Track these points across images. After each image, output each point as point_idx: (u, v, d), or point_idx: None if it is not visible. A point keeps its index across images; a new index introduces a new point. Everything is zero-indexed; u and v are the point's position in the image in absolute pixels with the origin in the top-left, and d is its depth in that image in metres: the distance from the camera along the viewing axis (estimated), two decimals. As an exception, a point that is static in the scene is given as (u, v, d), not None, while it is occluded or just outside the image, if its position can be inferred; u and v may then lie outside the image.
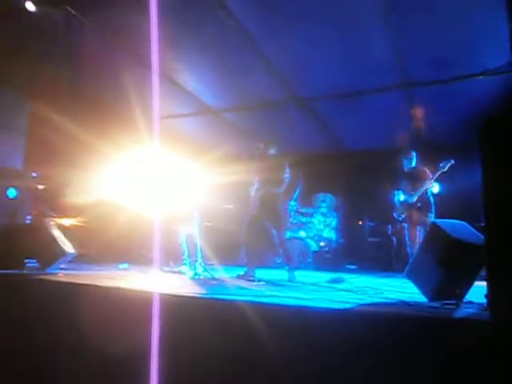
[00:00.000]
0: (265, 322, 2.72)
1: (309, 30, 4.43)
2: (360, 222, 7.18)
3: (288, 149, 5.44)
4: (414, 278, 3.16)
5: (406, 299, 3.16)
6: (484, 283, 2.66)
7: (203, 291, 3.50)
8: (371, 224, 6.89)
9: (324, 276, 4.84)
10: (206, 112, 6.37)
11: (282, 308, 2.84)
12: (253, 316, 2.78)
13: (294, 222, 6.70)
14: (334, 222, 7.03)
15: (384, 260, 6.14)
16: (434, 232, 3.05)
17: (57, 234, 4.74)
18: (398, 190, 5.11)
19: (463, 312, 2.67)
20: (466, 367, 2.21)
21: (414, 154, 5.07)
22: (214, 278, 4.51)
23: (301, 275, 4.70)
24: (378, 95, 5.60)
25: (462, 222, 3.20)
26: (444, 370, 2.24)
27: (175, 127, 6.76)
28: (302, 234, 6.83)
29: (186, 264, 5.25)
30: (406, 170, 5.08)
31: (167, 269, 5.23)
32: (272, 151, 4.72)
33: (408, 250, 5.08)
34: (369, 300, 3.16)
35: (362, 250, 6.69)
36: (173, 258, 5.40)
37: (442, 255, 2.93)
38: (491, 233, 2.43)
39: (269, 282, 4.27)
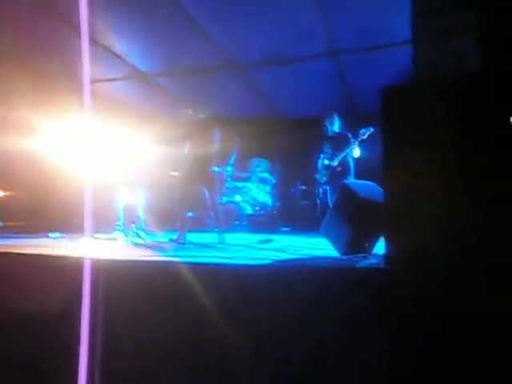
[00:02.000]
0: (185, 281, 2.87)
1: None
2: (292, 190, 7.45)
3: (223, 115, 5.51)
4: (328, 234, 3.42)
5: (322, 255, 3.44)
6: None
7: (126, 255, 3.57)
8: (303, 188, 7.18)
9: (255, 238, 5.07)
10: (137, 76, 6.23)
11: (201, 267, 2.99)
12: (172, 275, 2.91)
13: (230, 186, 6.83)
14: (268, 187, 7.25)
15: (311, 221, 6.46)
16: (344, 192, 3.29)
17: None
18: (322, 153, 5.32)
19: (367, 263, 2.97)
20: (367, 310, 2.48)
21: (337, 118, 5.27)
22: (145, 243, 4.59)
23: (233, 238, 4.88)
24: (306, 62, 5.75)
25: (371, 183, 3.47)
26: (349, 314, 2.50)
27: (107, 92, 6.58)
28: (238, 198, 7.01)
29: (118, 230, 5.26)
30: (329, 134, 5.29)
31: (100, 236, 5.22)
32: (201, 115, 4.78)
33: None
34: (287, 257, 3.40)
35: (295, 212, 7.00)
36: (108, 225, 5.38)
37: (351, 213, 3.19)
38: (390, 192, 2.68)
39: (198, 245, 4.41)
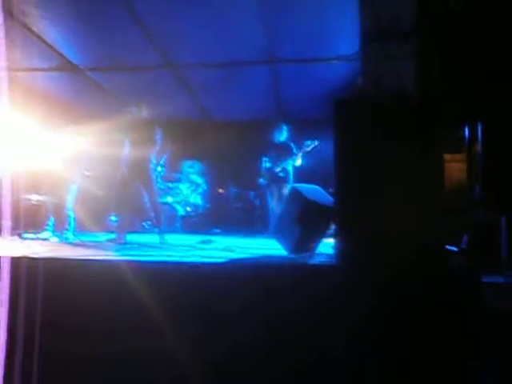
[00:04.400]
0: (144, 279, 2.87)
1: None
2: (220, 190, 7.58)
3: (157, 114, 5.44)
4: (277, 235, 3.61)
5: (271, 253, 3.62)
6: (330, 240, 3.24)
7: (74, 254, 3.45)
8: (235, 190, 7.35)
9: (193, 238, 5.11)
10: (68, 69, 5.92)
11: (160, 265, 3.01)
12: (133, 275, 2.90)
13: (162, 187, 6.77)
14: (200, 188, 7.30)
15: (247, 223, 6.66)
16: (294, 195, 3.52)
17: None
18: (265, 157, 5.61)
19: (317, 260, 3.22)
20: (322, 301, 2.69)
21: (285, 127, 5.61)
22: (82, 243, 4.42)
23: (170, 238, 4.87)
24: (244, 68, 5.93)
25: (316, 187, 3.73)
26: (307, 306, 2.69)
27: (32, 83, 6.16)
28: (169, 199, 6.97)
29: (48, 230, 4.98)
30: (275, 141, 5.59)
31: (29, 236, 4.89)
32: (144, 114, 4.73)
33: (270, 213, 5.65)
34: (238, 256, 3.53)
35: (227, 214, 7.14)
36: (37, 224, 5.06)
37: (300, 214, 3.42)
38: (340, 195, 2.95)
39: (141, 245, 4.36)
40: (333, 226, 3.67)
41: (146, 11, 4.76)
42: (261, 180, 5.62)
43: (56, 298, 2.89)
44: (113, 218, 6.62)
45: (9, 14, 4.86)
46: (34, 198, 5.16)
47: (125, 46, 5.52)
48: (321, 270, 2.93)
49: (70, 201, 5.11)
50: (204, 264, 2.97)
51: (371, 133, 2.83)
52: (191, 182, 7.14)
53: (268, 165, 5.58)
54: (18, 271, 2.96)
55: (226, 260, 3.11)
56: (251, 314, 2.72)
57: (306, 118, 6.68)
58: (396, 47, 3.16)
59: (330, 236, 3.82)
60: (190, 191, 7.09)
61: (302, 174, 5.49)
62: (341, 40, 5.38)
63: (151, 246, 4.22)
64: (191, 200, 7.10)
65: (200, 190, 7.26)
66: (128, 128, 4.64)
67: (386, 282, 2.66)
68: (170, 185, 7.01)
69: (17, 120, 5.61)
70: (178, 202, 6.95)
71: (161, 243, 4.51)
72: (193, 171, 7.22)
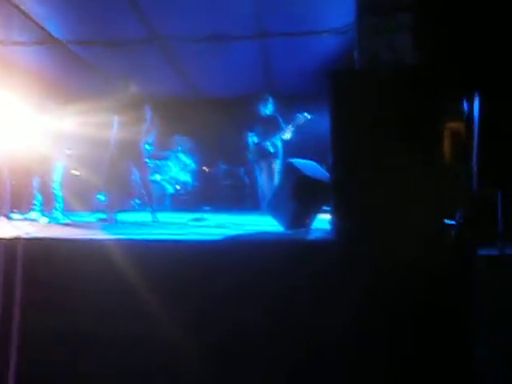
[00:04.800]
0: (138, 258, 2.82)
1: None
2: (206, 169, 7.49)
3: (144, 91, 5.30)
4: (273, 211, 3.59)
5: (267, 230, 3.60)
6: (326, 215, 3.23)
7: (67, 234, 3.38)
8: (224, 167, 7.28)
9: (184, 216, 5.06)
10: (50, 42, 5.69)
11: (154, 243, 2.97)
12: (127, 254, 2.85)
13: (151, 165, 6.66)
14: (189, 166, 7.21)
15: (237, 200, 6.63)
16: (289, 170, 3.48)
17: None
18: (252, 132, 5.48)
19: (315, 235, 3.21)
20: (324, 276, 2.69)
21: (271, 100, 5.46)
22: (74, 223, 4.33)
23: (162, 216, 4.82)
24: (233, 43, 5.78)
25: (312, 162, 3.70)
26: (306, 282, 2.68)
27: (13, 57, 5.92)
28: (158, 177, 6.87)
29: (35, 210, 4.86)
30: (262, 115, 5.46)
31: (16, 216, 4.77)
32: (132, 90, 4.59)
33: (259, 189, 5.60)
34: (234, 232, 3.50)
35: (217, 192, 7.08)
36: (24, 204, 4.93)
37: (296, 190, 3.39)
38: (337, 170, 2.92)
39: (133, 224, 4.30)
40: (329, 202, 3.66)
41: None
42: (249, 156, 5.51)
43: (55, 278, 2.84)
44: (100, 197, 6.51)
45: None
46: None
47: (110, 19, 5.32)
48: (318, 246, 2.92)
49: (56, 180, 4.98)
50: (200, 241, 2.93)
51: (369, 105, 2.79)
52: (180, 160, 7.04)
53: (255, 140, 5.47)
54: (14, 253, 2.89)
55: (221, 237, 3.08)
56: (248, 291, 2.70)
57: (296, 93, 6.61)
58: (392, 19, 3.10)
59: (326, 211, 3.82)
60: (178, 169, 6.99)
61: (292, 149, 5.42)
62: (332, 12, 5.27)
63: (143, 225, 4.16)
64: (180, 178, 7.01)
65: (189, 168, 7.17)
66: (116, 105, 4.50)
67: (383, 258, 2.67)
68: (159, 163, 6.90)
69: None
70: (167, 180, 6.86)
71: (153, 221, 4.45)
72: (181, 149, 7.11)
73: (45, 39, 5.58)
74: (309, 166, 3.56)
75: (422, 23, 2.99)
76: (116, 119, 4.55)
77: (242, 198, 6.72)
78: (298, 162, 3.52)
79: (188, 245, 2.86)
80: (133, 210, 6.06)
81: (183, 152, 7.13)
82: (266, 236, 3.25)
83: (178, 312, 2.73)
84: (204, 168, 7.33)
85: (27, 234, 3.27)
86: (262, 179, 5.47)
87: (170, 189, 6.80)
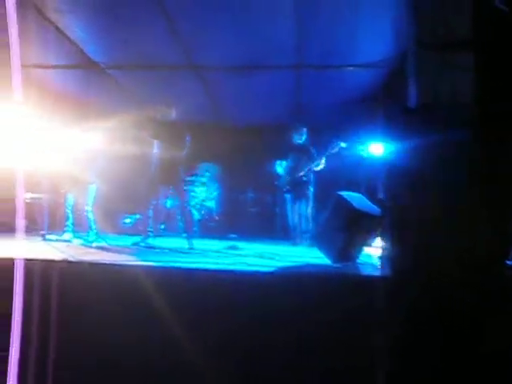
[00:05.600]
0: (189, 289, 2.77)
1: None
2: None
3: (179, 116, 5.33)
4: (320, 243, 3.54)
5: (314, 262, 3.54)
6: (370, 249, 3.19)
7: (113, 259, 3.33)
8: (252, 195, 7.27)
9: (216, 244, 5.00)
10: (88, 65, 5.78)
11: (208, 273, 2.90)
12: (178, 282, 2.80)
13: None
14: (215, 193, 7.21)
15: (263, 228, 6.57)
16: (338, 202, 3.44)
17: None
18: (281, 160, 5.49)
19: (364, 270, 3.15)
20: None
21: (305, 130, 5.50)
22: (111, 247, 4.28)
23: (195, 243, 4.74)
24: (269, 73, 5.85)
25: (359, 195, 3.67)
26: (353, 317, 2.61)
27: (50, 80, 6.02)
28: (184, 202, 6.84)
29: (68, 231, 4.83)
30: (295, 144, 5.47)
31: (53, 237, 4.72)
32: (173, 116, 4.64)
33: (289, 219, 5.54)
34: (283, 264, 3.41)
35: (243, 219, 7.04)
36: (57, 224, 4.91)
37: (345, 222, 3.34)
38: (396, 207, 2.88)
39: (169, 250, 4.23)
40: (376, 236, 3.61)
41: (176, 9, 4.65)
42: (278, 184, 5.52)
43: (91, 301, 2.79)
44: (127, 221, 6.48)
45: (35, 9, 4.75)
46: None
47: (150, 44, 5.40)
48: (372, 280, 2.86)
49: (89, 201, 4.96)
50: (254, 273, 2.87)
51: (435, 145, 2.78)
52: (206, 186, 7.03)
53: (287, 169, 5.48)
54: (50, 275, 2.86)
55: (274, 269, 3.02)
56: (309, 322, 2.64)
57: (325, 124, 6.63)
58: (452, 56, 3.11)
59: (372, 245, 3.77)
60: (205, 195, 6.97)
61: (324, 180, 5.43)
62: (368, 47, 5.34)
63: (181, 252, 4.10)
64: (206, 204, 6.99)
65: (215, 194, 7.15)
66: (157, 128, 4.54)
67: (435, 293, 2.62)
68: (185, 188, 6.89)
69: (33, 118, 5.48)
70: (193, 206, 6.83)
71: (190, 248, 4.39)
72: (208, 174, 7.11)
73: (84, 63, 5.67)
74: (357, 198, 3.52)
75: (483, 59, 3.01)
76: (156, 144, 4.56)
77: (268, 227, 6.66)
78: (347, 194, 3.48)
79: (243, 276, 2.80)
80: (159, 235, 5.98)
81: (210, 178, 7.13)
82: (318, 269, 3.19)
83: (230, 341, 2.67)
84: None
85: (72, 257, 3.23)
86: (292, 208, 5.42)
87: (196, 215, 6.76)
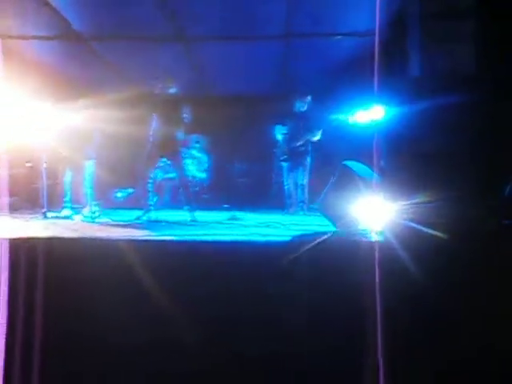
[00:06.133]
0: (205, 260, 2.85)
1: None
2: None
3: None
4: (325, 210, 3.69)
5: (319, 230, 3.70)
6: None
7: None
8: (241, 166, 7.35)
9: (215, 215, 5.10)
10: (73, 37, 5.58)
11: (223, 245, 3.00)
12: (193, 254, 2.87)
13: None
14: (206, 164, 7.23)
15: (255, 199, 6.67)
16: (344, 172, 3.58)
17: None
18: (281, 126, 5.53)
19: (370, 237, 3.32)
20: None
21: (309, 98, 5.52)
22: (115, 222, 4.31)
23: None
24: (258, 42, 5.82)
25: (362, 164, 3.81)
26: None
27: (32, 52, 5.79)
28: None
29: (66, 208, 4.81)
30: (297, 111, 5.51)
31: (52, 214, 4.70)
32: (172, 90, 4.60)
33: (284, 188, 5.67)
34: (294, 233, 3.55)
35: (234, 190, 7.12)
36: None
37: (352, 191, 3.49)
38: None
39: (174, 223, 4.30)
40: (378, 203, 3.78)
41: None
42: (278, 153, 5.58)
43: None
44: (118, 195, 6.46)
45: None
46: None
47: (135, 15, 5.25)
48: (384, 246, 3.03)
49: (87, 177, 4.94)
50: (274, 242, 3.00)
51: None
52: (196, 158, 7.03)
53: (282, 137, 5.54)
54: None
55: (289, 238, 3.16)
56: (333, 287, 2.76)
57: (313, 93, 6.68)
58: (452, 28, 3.23)
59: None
60: (195, 167, 6.99)
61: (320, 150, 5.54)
62: (355, 16, 5.36)
63: (185, 225, 4.17)
64: (197, 175, 7.01)
65: (206, 166, 7.18)
66: (154, 102, 4.51)
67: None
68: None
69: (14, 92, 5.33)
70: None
71: (192, 221, 4.47)
72: (198, 146, 7.10)
73: (65, 33, 5.45)
74: (361, 167, 3.66)
75: (484, 32, 3.13)
76: (154, 117, 4.54)
77: (259, 197, 6.76)
78: (352, 163, 3.62)
79: (263, 246, 2.93)
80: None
81: (200, 150, 7.13)
82: (330, 236, 3.35)
83: (254, 313, 2.78)
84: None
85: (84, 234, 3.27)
86: (289, 178, 5.53)
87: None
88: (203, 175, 7.16)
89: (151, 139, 4.54)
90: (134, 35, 5.62)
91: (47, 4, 4.94)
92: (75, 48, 5.90)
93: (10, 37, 5.55)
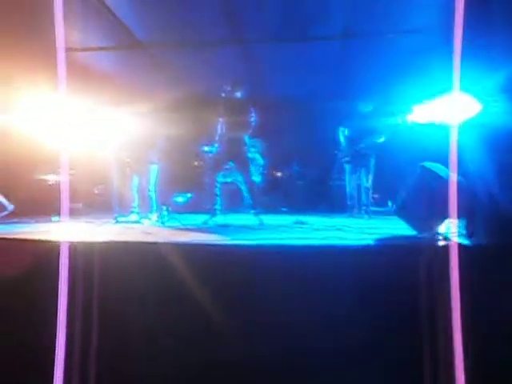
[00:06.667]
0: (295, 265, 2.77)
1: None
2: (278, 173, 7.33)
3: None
4: (405, 214, 3.54)
5: (398, 234, 3.57)
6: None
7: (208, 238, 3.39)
8: (298, 168, 7.27)
9: (280, 219, 5.04)
10: (135, 46, 5.72)
11: (315, 249, 2.93)
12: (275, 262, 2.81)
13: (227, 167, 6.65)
14: (262, 167, 7.20)
15: (313, 202, 6.58)
16: (425, 173, 3.43)
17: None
18: (343, 127, 5.44)
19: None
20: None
21: (371, 103, 5.42)
22: (187, 227, 4.34)
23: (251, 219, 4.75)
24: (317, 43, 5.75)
25: (441, 166, 3.64)
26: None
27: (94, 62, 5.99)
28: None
29: (134, 212, 4.91)
30: (361, 113, 5.40)
31: (122, 219, 4.80)
32: (239, 93, 4.60)
33: (347, 191, 5.53)
34: (371, 236, 3.44)
35: (291, 193, 7.06)
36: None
37: (434, 193, 3.33)
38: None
39: (243, 227, 4.28)
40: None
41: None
42: (340, 155, 5.48)
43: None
44: (179, 199, 6.54)
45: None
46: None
47: (196, 21, 5.30)
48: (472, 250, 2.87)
49: (151, 182, 5.02)
50: (355, 246, 2.90)
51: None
52: (253, 161, 7.01)
53: (345, 138, 5.43)
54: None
55: (371, 242, 3.06)
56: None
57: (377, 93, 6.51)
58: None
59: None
60: (253, 171, 6.96)
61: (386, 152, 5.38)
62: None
63: (255, 229, 4.13)
64: (254, 179, 6.98)
65: (260, 170, 7.15)
66: (222, 106, 4.52)
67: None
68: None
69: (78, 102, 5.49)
70: (241, 182, 6.82)
71: (260, 224, 4.44)
72: (255, 150, 7.08)
73: (127, 42, 5.58)
74: (442, 170, 3.50)
75: None
76: (220, 121, 4.55)
77: (316, 200, 6.66)
78: (431, 164, 3.46)
79: (343, 250, 2.84)
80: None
81: (256, 153, 7.10)
82: (410, 240, 3.22)
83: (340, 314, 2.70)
84: (276, 173, 7.27)
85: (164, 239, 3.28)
86: (352, 180, 5.41)
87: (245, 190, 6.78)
88: (258, 179, 7.12)
89: (217, 144, 4.56)
90: (195, 40, 5.71)
91: (110, 14, 5.09)
92: (137, 55, 6.05)
93: (76, 49, 5.75)
